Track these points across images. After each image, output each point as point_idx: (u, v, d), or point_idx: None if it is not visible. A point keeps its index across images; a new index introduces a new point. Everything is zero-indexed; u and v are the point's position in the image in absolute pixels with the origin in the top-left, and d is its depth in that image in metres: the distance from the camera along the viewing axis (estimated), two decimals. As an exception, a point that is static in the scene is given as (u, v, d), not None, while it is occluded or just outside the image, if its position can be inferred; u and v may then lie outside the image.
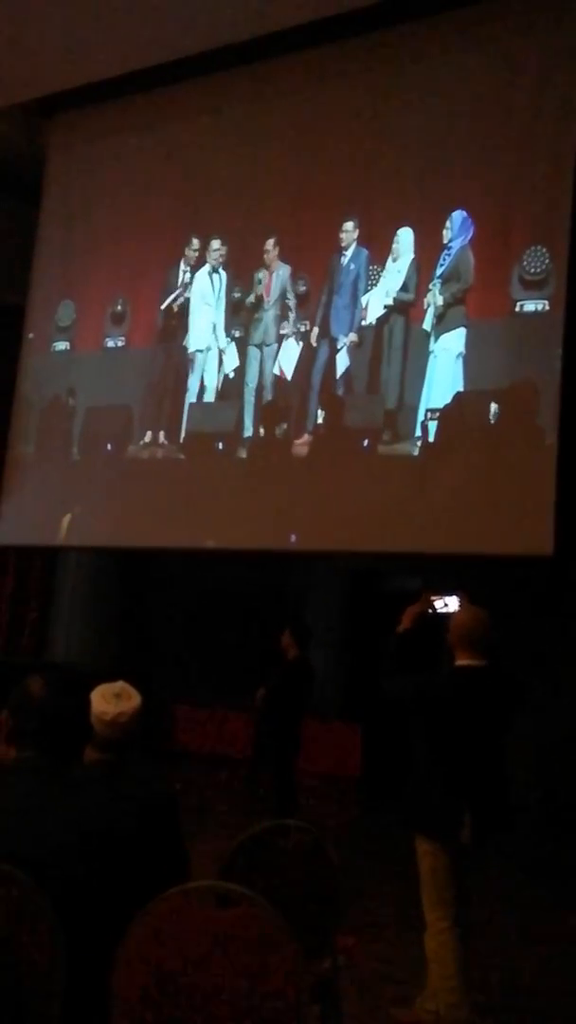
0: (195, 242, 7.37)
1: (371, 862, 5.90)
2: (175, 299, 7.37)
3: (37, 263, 8.20)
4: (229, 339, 7.03)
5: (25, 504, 7.82)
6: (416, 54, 6.51)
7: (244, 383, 6.95)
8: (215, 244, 7.20)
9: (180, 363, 7.33)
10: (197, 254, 7.37)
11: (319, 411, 6.56)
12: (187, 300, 7.35)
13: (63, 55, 7.13)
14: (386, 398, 6.28)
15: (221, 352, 7.05)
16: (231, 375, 6.99)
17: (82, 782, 2.24)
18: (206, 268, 7.24)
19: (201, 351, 7.17)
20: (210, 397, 7.06)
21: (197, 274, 7.28)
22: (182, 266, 7.43)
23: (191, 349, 7.23)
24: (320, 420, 6.54)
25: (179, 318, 7.39)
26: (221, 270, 7.18)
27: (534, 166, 5.90)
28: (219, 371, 7.06)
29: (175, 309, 7.39)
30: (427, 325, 6.19)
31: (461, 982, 3.51)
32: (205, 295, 7.22)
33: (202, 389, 7.12)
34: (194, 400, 7.14)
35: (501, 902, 5.21)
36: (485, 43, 6.24)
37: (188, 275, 7.40)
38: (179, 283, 7.43)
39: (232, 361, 6.99)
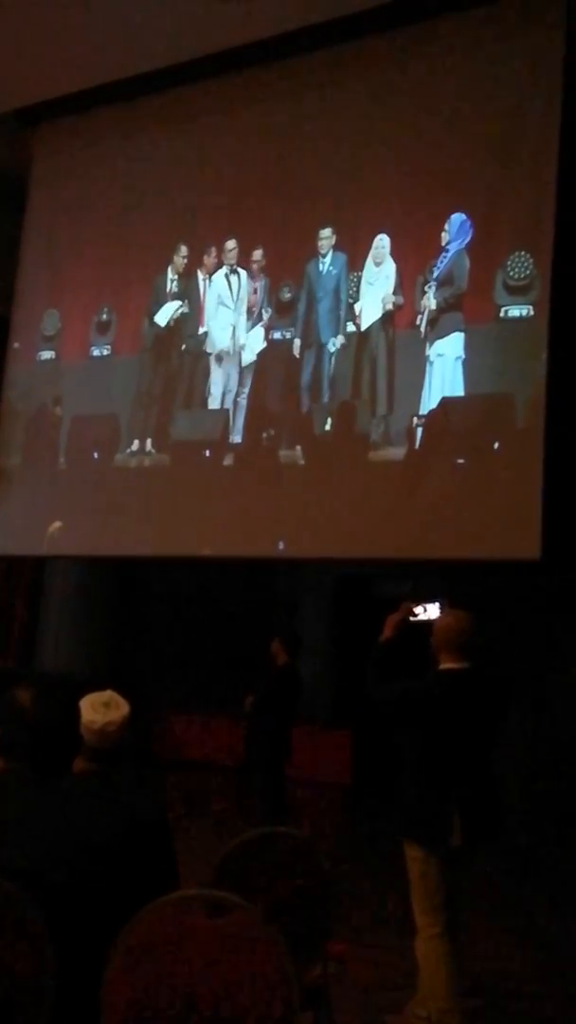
0: (183, 249, 7.36)
1: (361, 868, 5.90)
2: (177, 310, 7.30)
3: (22, 272, 8.19)
4: (247, 343, 6.98)
5: (11, 514, 7.79)
6: (400, 62, 6.52)
7: (232, 390, 6.95)
8: (230, 244, 7.16)
9: (169, 371, 7.31)
10: (187, 261, 7.35)
11: (305, 417, 6.56)
12: (188, 309, 7.31)
13: (48, 64, 7.13)
14: (375, 404, 6.29)
15: (240, 354, 7.00)
16: (246, 379, 6.93)
17: (71, 792, 2.24)
18: (223, 270, 7.20)
19: (219, 355, 7.10)
20: (216, 404, 7.00)
21: (214, 276, 7.22)
22: (170, 274, 7.41)
23: (210, 352, 7.13)
24: (307, 427, 6.55)
25: (174, 325, 7.36)
26: (240, 270, 7.11)
27: (518, 171, 5.92)
28: (238, 373, 6.96)
29: (172, 323, 7.33)
30: (421, 329, 6.20)
31: (452, 987, 3.52)
32: (223, 297, 7.18)
33: (212, 394, 7.05)
34: (196, 405, 7.11)
35: (492, 906, 5.22)
36: (470, 50, 6.26)
37: (177, 283, 7.39)
38: (167, 292, 7.41)
39: (253, 364, 6.94)
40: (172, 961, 1.97)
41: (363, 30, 6.59)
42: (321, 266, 6.71)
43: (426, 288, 6.19)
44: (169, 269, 7.39)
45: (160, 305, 7.42)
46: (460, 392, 5.95)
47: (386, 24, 6.52)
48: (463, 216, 6.12)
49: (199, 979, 1.95)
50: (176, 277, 7.36)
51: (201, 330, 7.24)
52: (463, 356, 5.97)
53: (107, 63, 7.18)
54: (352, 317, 6.52)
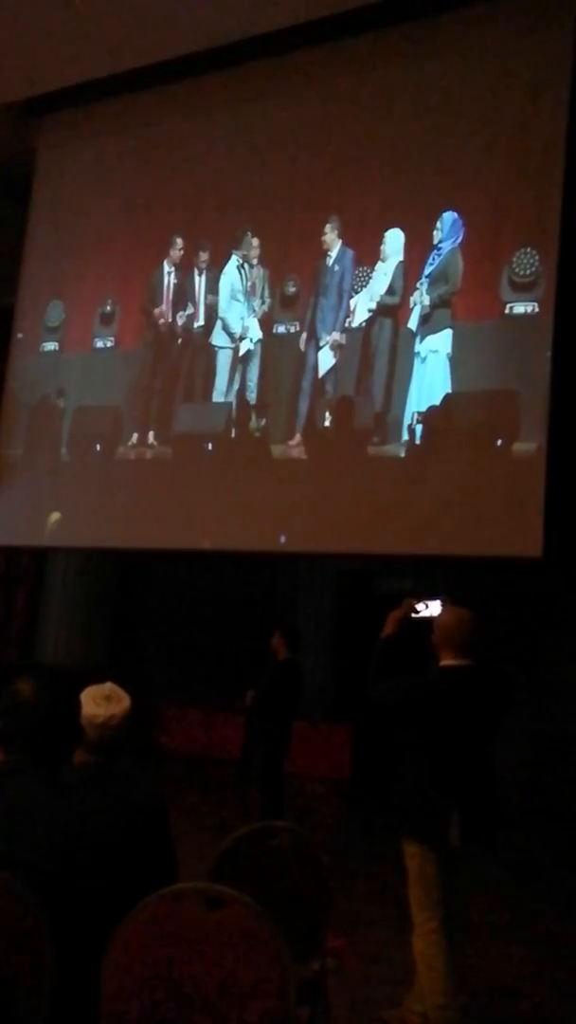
0: (179, 241, 7.34)
1: (360, 863, 5.90)
2: (188, 308, 7.26)
3: (26, 263, 8.18)
4: (250, 337, 6.97)
5: (13, 504, 7.79)
6: (407, 57, 6.50)
7: (234, 384, 6.94)
8: (242, 237, 7.11)
9: (173, 363, 7.30)
10: (183, 253, 7.33)
11: (308, 413, 6.55)
12: (196, 302, 7.29)
13: (53, 55, 7.12)
14: (374, 400, 6.29)
15: (247, 347, 6.97)
16: (248, 372, 6.92)
17: (72, 785, 2.24)
18: (234, 262, 7.17)
19: (226, 348, 7.10)
20: (220, 397, 6.99)
21: (226, 269, 7.18)
22: (166, 267, 7.37)
23: (217, 345, 7.12)
24: (309, 421, 6.54)
25: (179, 319, 7.34)
26: (252, 263, 7.08)
27: (524, 168, 5.91)
28: (240, 367, 6.95)
29: (183, 318, 7.31)
30: (412, 325, 6.19)
31: (449, 983, 3.52)
32: (236, 291, 7.15)
33: (216, 387, 7.04)
34: (199, 398, 7.10)
35: (489, 903, 5.23)
36: (477, 46, 6.23)
37: (174, 276, 7.37)
38: (165, 285, 7.37)
39: (256, 358, 6.93)
40: (170, 954, 1.97)
41: (369, 25, 6.57)
42: (328, 261, 6.69)
43: (418, 285, 6.19)
44: (165, 262, 7.37)
45: (156, 299, 7.40)
46: (447, 389, 5.96)
47: (393, 19, 6.50)
48: (454, 215, 6.11)
49: (197, 972, 1.95)
50: (173, 270, 7.33)
51: (199, 324, 7.21)
52: (451, 353, 5.97)
53: (111, 56, 7.16)
54: (351, 312, 6.51)
